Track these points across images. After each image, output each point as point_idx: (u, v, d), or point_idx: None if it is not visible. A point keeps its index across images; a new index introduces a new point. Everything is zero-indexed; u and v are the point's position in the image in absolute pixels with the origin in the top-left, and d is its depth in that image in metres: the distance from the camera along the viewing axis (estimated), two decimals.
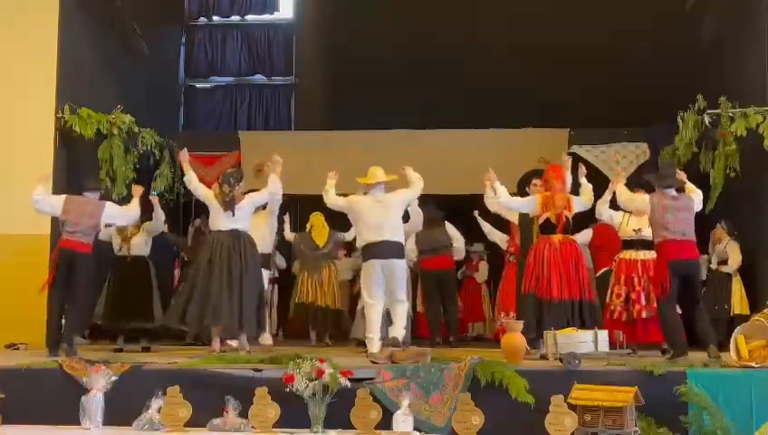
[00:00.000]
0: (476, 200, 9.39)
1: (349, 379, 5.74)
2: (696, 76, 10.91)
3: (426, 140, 11.71)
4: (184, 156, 8.27)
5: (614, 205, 8.18)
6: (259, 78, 15.17)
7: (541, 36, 12.63)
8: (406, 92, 12.97)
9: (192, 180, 8.15)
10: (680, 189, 7.43)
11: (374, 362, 6.70)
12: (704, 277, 9.52)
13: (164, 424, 5.67)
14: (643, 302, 8.00)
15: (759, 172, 9.14)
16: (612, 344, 7.06)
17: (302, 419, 5.62)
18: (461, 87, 12.75)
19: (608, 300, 8.32)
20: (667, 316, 7.18)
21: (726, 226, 9.39)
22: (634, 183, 8.22)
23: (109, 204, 8.12)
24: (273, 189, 8.16)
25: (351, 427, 5.76)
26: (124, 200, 9.67)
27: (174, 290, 11.31)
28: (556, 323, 7.15)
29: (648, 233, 7.87)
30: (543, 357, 7.01)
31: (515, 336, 6.71)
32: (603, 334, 6.58)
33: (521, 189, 8.65)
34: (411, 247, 9.70)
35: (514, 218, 8.92)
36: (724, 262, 9.35)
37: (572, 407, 5.64)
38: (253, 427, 5.67)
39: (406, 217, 8.37)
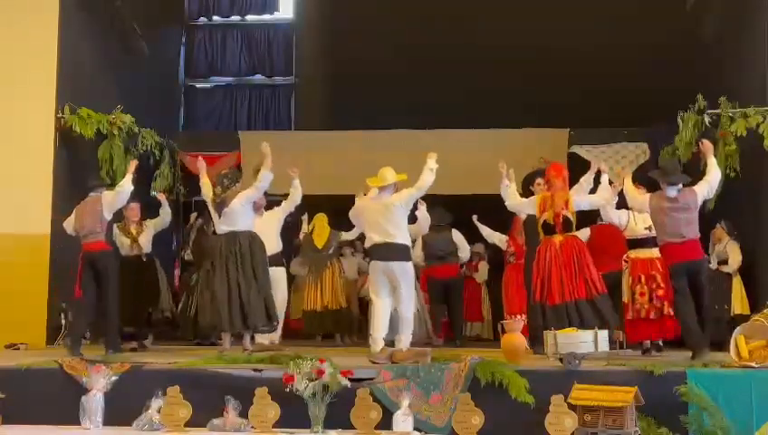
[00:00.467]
0: (476, 200, 9.40)
1: (349, 379, 5.75)
2: (696, 76, 10.91)
3: (426, 140, 11.67)
4: (201, 164, 8.28)
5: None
6: (259, 78, 15.19)
7: (541, 36, 12.63)
8: (406, 92, 12.98)
9: (203, 185, 8.15)
10: (690, 183, 7.37)
11: (374, 362, 6.69)
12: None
13: (164, 424, 5.67)
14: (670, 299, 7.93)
15: (759, 172, 9.14)
16: (613, 344, 7.05)
17: (302, 419, 5.62)
18: (461, 87, 12.75)
19: (625, 299, 8.28)
20: (681, 316, 7.18)
21: (726, 226, 9.38)
22: (637, 180, 8.20)
23: (104, 193, 8.15)
24: (261, 184, 7.97)
25: (351, 427, 5.76)
26: None
27: (174, 291, 11.37)
28: (560, 326, 7.07)
29: None
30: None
31: (515, 336, 6.71)
32: (603, 334, 6.56)
33: (525, 189, 8.64)
34: (418, 254, 9.76)
35: (523, 216, 8.79)
36: (724, 262, 9.34)
37: (572, 407, 5.64)
38: (253, 427, 5.66)
39: (413, 219, 8.31)
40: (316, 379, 5.61)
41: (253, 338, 8.02)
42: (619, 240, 8.52)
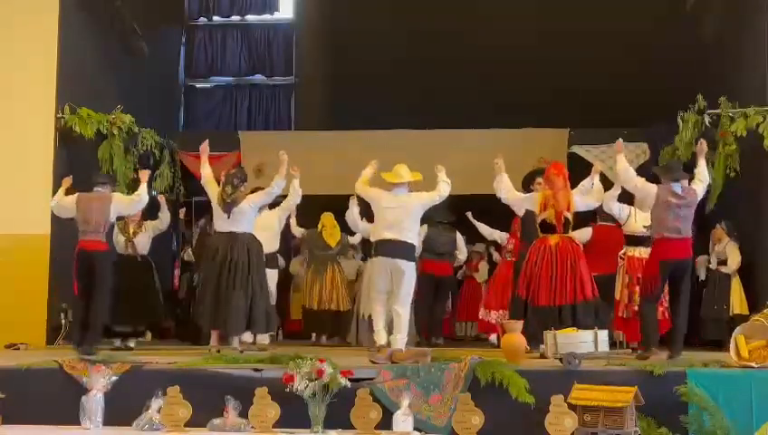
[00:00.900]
0: (476, 200, 9.39)
1: (349, 379, 5.74)
2: (696, 76, 10.90)
3: (426, 140, 11.71)
4: (204, 148, 8.20)
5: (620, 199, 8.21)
6: (259, 78, 15.18)
7: (541, 36, 12.63)
8: (406, 92, 12.98)
9: (205, 174, 8.11)
10: (690, 179, 7.38)
11: (374, 362, 6.69)
12: (703, 277, 9.55)
13: (164, 424, 5.67)
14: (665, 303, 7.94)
15: (759, 172, 9.14)
16: (612, 344, 7.05)
17: (302, 419, 5.61)
18: (461, 87, 12.75)
19: (617, 297, 8.28)
20: (645, 314, 7.19)
21: (726, 226, 9.38)
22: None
23: (116, 195, 8.09)
24: (273, 190, 8.11)
25: (351, 427, 5.76)
26: None
27: (173, 291, 11.38)
28: (543, 327, 7.02)
29: None
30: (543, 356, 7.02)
31: (515, 336, 6.70)
32: (603, 334, 6.56)
33: (525, 189, 8.63)
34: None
35: (520, 212, 8.75)
36: (723, 262, 9.35)
37: (572, 407, 5.64)
38: (253, 427, 5.66)
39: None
40: (316, 379, 5.61)
41: (254, 341, 8.04)
42: (619, 241, 8.53)
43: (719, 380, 6.06)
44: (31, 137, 9.46)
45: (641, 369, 6.19)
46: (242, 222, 7.95)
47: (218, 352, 7.52)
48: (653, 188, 7.26)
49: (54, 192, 8.32)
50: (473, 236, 10.84)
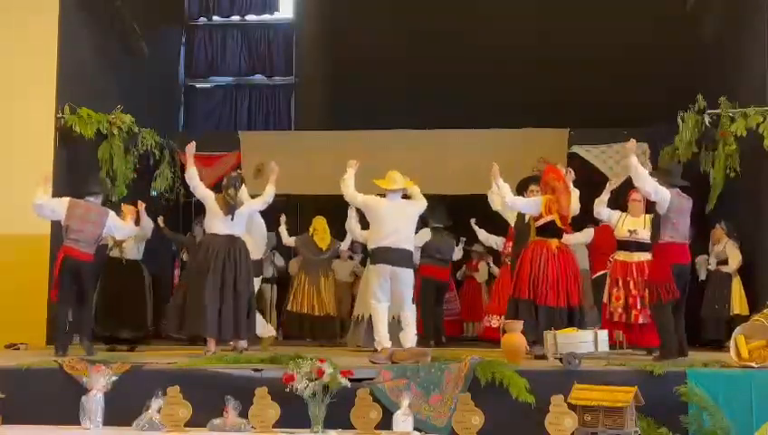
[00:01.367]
0: (476, 201, 9.38)
1: (349, 379, 5.75)
2: (696, 76, 10.91)
3: (426, 139, 11.71)
4: (190, 149, 8.00)
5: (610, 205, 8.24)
6: (259, 78, 15.16)
7: (541, 36, 12.64)
8: (406, 92, 12.98)
9: (193, 177, 7.98)
10: (684, 187, 7.38)
11: (374, 362, 6.70)
12: (703, 277, 9.56)
13: (164, 424, 5.66)
14: (639, 307, 7.96)
15: (759, 172, 9.14)
16: (612, 345, 7.05)
17: (302, 419, 5.62)
18: (461, 87, 12.73)
19: (605, 300, 8.30)
20: (661, 320, 7.15)
21: (726, 226, 9.39)
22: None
23: (112, 215, 8.06)
24: (267, 199, 8.14)
25: (351, 427, 5.76)
26: (125, 199, 9.70)
27: (173, 291, 11.33)
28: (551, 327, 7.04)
29: (642, 235, 7.88)
30: (539, 357, 7.01)
31: (515, 336, 6.71)
32: (603, 334, 6.57)
33: (519, 195, 8.63)
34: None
35: (512, 220, 8.78)
36: (723, 262, 9.35)
37: (572, 407, 5.64)
38: (253, 427, 5.66)
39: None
40: (316, 379, 5.61)
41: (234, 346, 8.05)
42: (614, 241, 8.54)
43: (719, 380, 6.06)
44: (31, 137, 9.45)
45: (641, 369, 6.20)
46: (240, 226, 7.99)
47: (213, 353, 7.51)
48: (668, 193, 7.09)
49: (55, 193, 8.31)
50: (473, 237, 10.84)
